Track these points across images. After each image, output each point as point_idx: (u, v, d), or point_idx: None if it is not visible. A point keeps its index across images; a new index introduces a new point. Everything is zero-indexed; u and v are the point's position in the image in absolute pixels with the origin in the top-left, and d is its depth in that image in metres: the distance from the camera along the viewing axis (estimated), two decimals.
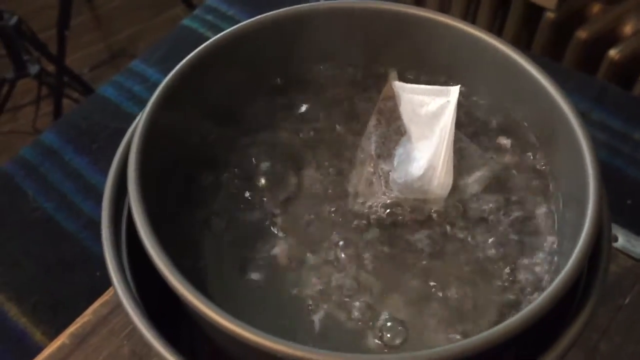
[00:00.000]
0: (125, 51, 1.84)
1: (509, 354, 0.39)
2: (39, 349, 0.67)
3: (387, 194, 0.38)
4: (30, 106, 1.66)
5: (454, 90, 0.38)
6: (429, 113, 0.38)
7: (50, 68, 1.52)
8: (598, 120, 0.81)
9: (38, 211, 0.76)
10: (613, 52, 1.03)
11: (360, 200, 0.39)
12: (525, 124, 0.42)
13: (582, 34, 1.07)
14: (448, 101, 0.37)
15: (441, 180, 0.38)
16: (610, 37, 1.07)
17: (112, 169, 0.39)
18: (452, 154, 0.38)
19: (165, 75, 0.92)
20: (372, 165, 0.40)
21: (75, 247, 0.74)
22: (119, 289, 0.34)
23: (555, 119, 0.38)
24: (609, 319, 0.52)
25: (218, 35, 0.42)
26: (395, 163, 0.39)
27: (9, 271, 0.72)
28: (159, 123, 0.38)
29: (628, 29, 1.09)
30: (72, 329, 0.53)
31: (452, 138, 0.37)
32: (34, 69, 1.46)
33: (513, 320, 0.29)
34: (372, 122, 0.41)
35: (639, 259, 0.55)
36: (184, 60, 0.40)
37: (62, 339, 0.52)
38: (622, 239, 0.57)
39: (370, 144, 0.40)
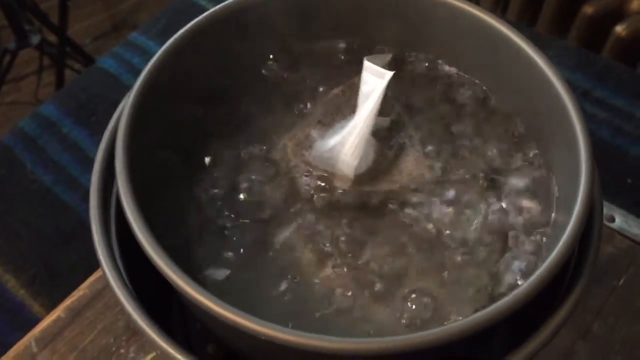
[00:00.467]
0: (127, 22, 1.82)
1: (500, 335, 0.39)
2: (37, 320, 0.68)
3: (304, 159, 0.39)
4: (32, 76, 1.65)
5: (388, 75, 0.37)
6: (364, 92, 0.37)
7: (52, 38, 1.51)
8: (600, 98, 0.80)
9: (36, 183, 0.76)
10: (619, 29, 1.02)
11: (283, 154, 0.40)
12: (516, 104, 0.42)
13: (588, 9, 1.05)
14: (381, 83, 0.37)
15: (346, 158, 0.37)
16: (617, 13, 1.06)
17: (100, 150, 0.39)
18: (368, 137, 0.37)
19: None
20: (309, 128, 0.40)
21: (74, 219, 0.74)
22: (106, 269, 0.34)
23: (548, 96, 0.38)
24: (603, 300, 0.52)
25: (207, 12, 0.41)
26: (327, 133, 0.39)
27: (8, 243, 0.72)
28: (147, 103, 0.37)
29: (635, 4, 1.07)
30: (67, 302, 0.53)
31: (370, 121, 0.37)
32: (35, 39, 1.45)
33: (503, 302, 0.29)
34: (336, 91, 0.41)
35: (635, 240, 0.55)
36: (170, 41, 0.39)
37: (58, 312, 0.52)
38: (620, 220, 0.56)
39: (319, 109, 0.40)
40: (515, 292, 0.29)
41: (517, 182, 0.39)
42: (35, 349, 0.51)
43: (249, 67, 0.44)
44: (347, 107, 0.41)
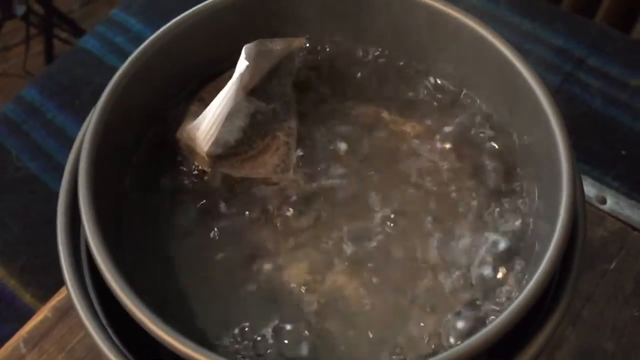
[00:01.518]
0: None
1: None
2: (29, 311, 0.68)
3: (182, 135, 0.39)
4: (20, 46, 1.62)
5: (242, 63, 0.37)
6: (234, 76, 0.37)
7: (38, 8, 1.47)
8: (594, 67, 0.78)
9: (22, 170, 0.75)
10: None
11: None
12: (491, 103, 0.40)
13: None
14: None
15: (201, 138, 0.37)
16: None
17: (66, 174, 0.38)
18: (220, 118, 0.37)
19: (146, 25, 0.88)
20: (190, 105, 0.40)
21: None
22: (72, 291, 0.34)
23: (522, 94, 0.36)
24: (594, 285, 0.52)
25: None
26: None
27: None
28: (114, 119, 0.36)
29: None
30: (54, 302, 0.52)
31: (226, 104, 0.36)
32: (20, 9, 1.42)
33: (480, 334, 0.29)
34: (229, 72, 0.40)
35: (627, 222, 0.54)
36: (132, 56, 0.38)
37: (45, 312, 0.52)
38: (611, 201, 0.55)
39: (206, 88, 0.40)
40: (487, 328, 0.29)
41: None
42: (23, 350, 0.51)
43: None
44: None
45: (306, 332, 0.34)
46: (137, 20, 0.84)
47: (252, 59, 0.36)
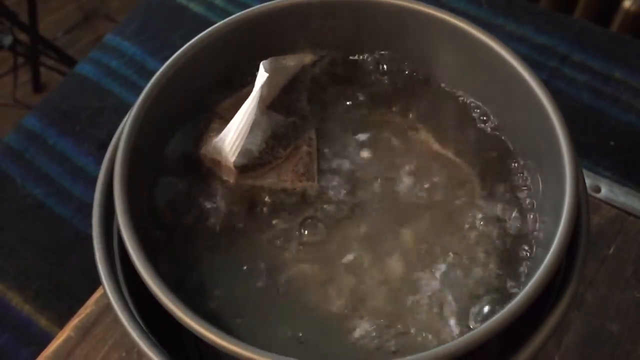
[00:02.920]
0: (99, 11, 1.80)
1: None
2: (45, 335, 0.69)
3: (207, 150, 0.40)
4: (7, 77, 1.64)
5: (263, 76, 0.39)
6: (254, 91, 0.39)
7: (23, 37, 1.49)
8: (579, 62, 0.81)
9: (28, 198, 0.77)
10: (628, 3, 1.00)
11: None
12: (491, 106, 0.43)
13: None
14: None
15: (227, 151, 0.39)
16: None
17: (101, 172, 0.39)
18: (247, 132, 0.39)
19: (141, 48, 0.90)
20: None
21: (70, 231, 0.74)
22: (110, 294, 0.35)
23: (521, 94, 0.38)
24: (595, 270, 0.54)
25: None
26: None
27: (7, 260, 0.73)
28: (147, 123, 0.38)
29: None
30: (75, 321, 0.54)
31: (248, 118, 0.39)
32: (7, 40, 1.44)
33: (490, 322, 0.30)
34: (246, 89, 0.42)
35: (622, 209, 0.56)
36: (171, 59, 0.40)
37: (67, 331, 0.54)
38: (605, 189, 0.58)
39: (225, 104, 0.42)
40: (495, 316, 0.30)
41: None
42: None
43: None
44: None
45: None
46: (131, 44, 0.86)
47: (270, 74, 0.38)
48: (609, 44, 0.82)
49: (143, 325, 0.34)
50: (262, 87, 0.39)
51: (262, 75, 0.39)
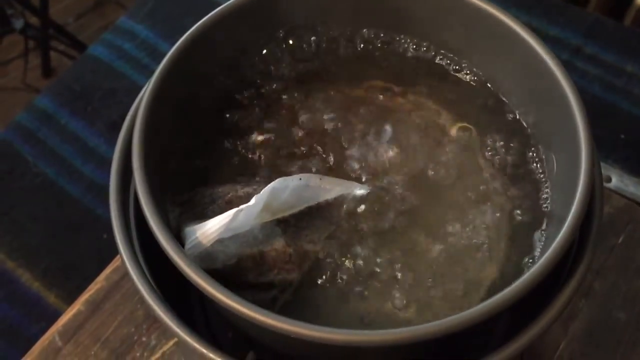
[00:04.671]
0: None
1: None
2: (54, 311, 0.70)
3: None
4: (18, 60, 1.64)
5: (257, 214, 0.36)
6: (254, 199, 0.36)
7: (34, 21, 1.49)
8: (591, 55, 0.81)
9: (40, 176, 0.77)
10: None
11: None
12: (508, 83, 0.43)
13: None
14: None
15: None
16: None
17: (120, 141, 0.39)
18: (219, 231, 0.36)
19: (153, 31, 0.90)
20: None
21: (80, 210, 0.75)
22: (126, 260, 0.35)
23: (539, 73, 0.39)
24: (603, 258, 0.54)
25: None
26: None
27: (17, 238, 0.73)
28: (165, 95, 0.38)
29: None
30: (86, 295, 0.54)
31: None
32: (18, 23, 1.44)
33: (502, 294, 0.31)
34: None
35: (632, 199, 0.56)
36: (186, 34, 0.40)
37: (78, 305, 0.54)
38: (616, 179, 0.58)
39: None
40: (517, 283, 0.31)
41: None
42: (59, 343, 0.52)
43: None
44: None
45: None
46: (144, 27, 0.86)
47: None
48: (622, 37, 0.82)
49: (158, 291, 0.35)
50: (267, 199, 0.35)
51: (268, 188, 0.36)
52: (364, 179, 0.40)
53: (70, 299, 0.59)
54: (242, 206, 0.35)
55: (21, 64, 1.59)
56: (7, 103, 1.55)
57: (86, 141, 0.79)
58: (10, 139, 0.79)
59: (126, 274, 0.54)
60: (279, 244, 0.36)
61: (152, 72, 0.39)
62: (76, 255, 0.73)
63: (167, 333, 0.53)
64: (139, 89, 0.41)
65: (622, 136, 0.75)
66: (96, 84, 0.83)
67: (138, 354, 0.52)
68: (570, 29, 0.83)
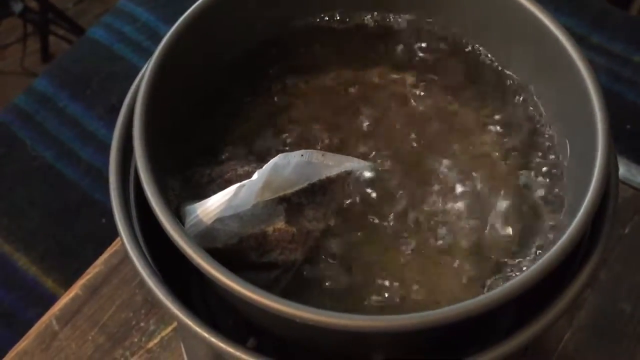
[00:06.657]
0: None
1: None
2: (51, 296, 0.69)
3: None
4: (17, 44, 1.63)
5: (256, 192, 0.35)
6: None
7: (34, 4, 1.48)
8: (597, 44, 0.80)
9: (38, 160, 0.76)
10: None
11: None
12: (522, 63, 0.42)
13: None
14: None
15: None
16: None
17: (119, 122, 0.38)
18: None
19: (153, 14, 0.89)
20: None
21: (78, 194, 0.74)
22: (126, 241, 0.34)
23: (553, 52, 0.38)
24: (609, 249, 0.53)
25: None
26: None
27: (15, 222, 0.73)
28: (165, 76, 0.37)
29: None
30: (84, 279, 0.54)
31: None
32: (17, 7, 1.42)
33: (515, 281, 0.30)
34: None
35: (639, 189, 0.56)
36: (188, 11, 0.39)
37: (75, 290, 0.53)
38: (623, 169, 0.57)
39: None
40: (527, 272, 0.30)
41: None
42: (56, 327, 0.52)
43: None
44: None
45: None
46: (144, 10, 0.85)
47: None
48: (629, 27, 0.81)
49: (158, 272, 0.34)
50: (269, 175, 0.34)
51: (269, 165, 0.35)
52: (370, 156, 0.39)
53: (67, 284, 0.58)
54: (243, 182, 0.35)
55: (20, 48, 1.57)
56: (5, 87, 1.53)
57: (85, 125, 0.78)
58: (8, 122, 0.78)
59: (125, 257, 0.54)
60: (281, 223, 0.35)
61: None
62: (74, 239, 0.72)
63: (165, 318, 0.52)
64: (138, 72, 0.40)
65: (629, 126, 0.74)
66: (96, 67, 0.81)
67: (136, 339, 0.51)
68: (576, 18, 0.82)
